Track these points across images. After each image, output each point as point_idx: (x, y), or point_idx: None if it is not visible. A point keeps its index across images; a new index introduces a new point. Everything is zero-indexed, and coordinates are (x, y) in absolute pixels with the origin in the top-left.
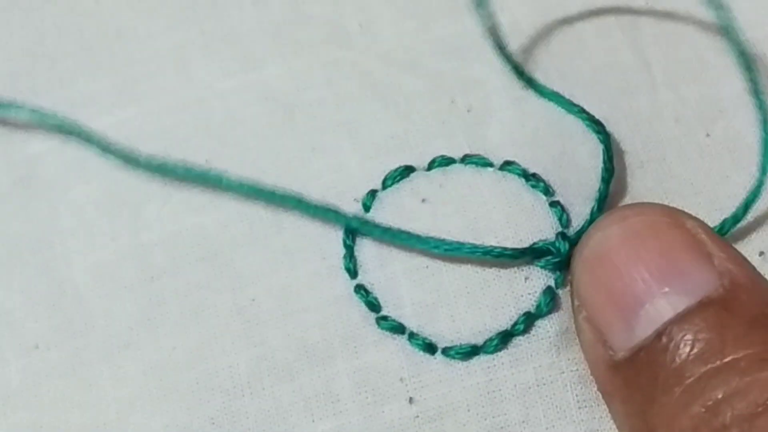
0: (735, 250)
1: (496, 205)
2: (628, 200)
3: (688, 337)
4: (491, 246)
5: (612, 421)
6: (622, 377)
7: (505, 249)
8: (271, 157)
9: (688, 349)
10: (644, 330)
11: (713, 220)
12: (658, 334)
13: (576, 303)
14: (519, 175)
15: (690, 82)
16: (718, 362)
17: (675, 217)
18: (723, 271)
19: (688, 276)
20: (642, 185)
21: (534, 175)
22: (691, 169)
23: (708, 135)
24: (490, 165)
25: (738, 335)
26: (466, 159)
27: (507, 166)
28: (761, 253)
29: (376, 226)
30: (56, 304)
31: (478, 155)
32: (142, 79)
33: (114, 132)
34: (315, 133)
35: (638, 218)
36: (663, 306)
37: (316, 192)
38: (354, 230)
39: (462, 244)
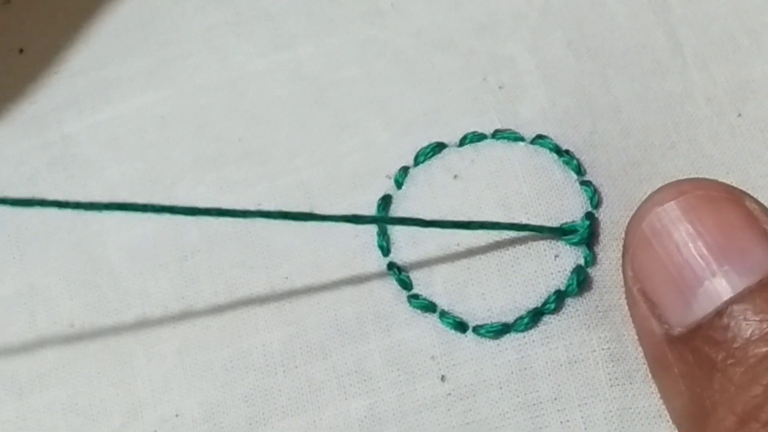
0: None
1: (527, 180)
2: (659, 182)
3: (750, 316)
4: (513, 222)
5: (644, 399)
6: (678, 353)
7: (528, 225)
8: (303, 135)
9: (750, 329)
10: (703, 308)
11: None
12: (718, 313)
13: (630, 274)
14: (551, 149)
15: (721, 62)
16: None
17: (732, 192)
18: None
19: (747, 254)
20: (673, 165)
21: (567, 151)
22: (723, 149)
23: (739, 115)
24: (522, 139)
25: None
26: (497, 134)
27: (539, 140)
28: None
29: (402, 218)
30: (91, 283)
31: (510, 130)
32: (175, 60)
33: (148, 112)
34: (347, 111)
35: (696, 193)
36: (722, 284)
37: (348, 169)
38: (386, 209)
39: (487, 222)
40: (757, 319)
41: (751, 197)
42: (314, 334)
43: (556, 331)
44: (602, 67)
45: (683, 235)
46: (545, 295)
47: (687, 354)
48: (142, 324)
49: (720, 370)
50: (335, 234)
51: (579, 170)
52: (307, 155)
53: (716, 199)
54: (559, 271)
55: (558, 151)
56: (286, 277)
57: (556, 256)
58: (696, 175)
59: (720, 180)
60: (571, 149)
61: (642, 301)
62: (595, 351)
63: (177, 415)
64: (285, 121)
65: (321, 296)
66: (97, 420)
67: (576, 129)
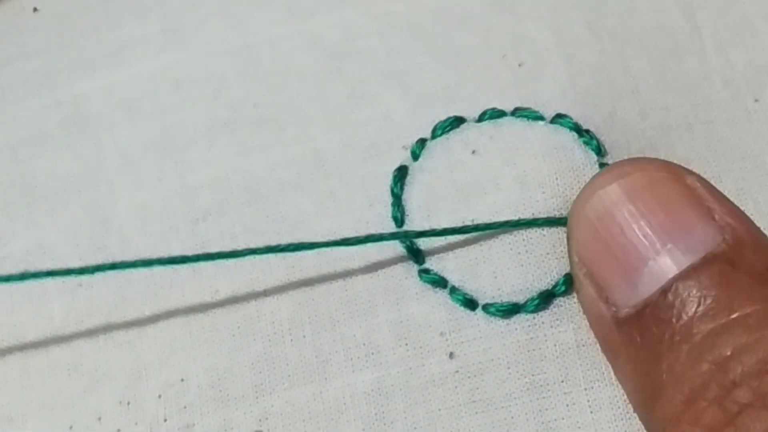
0: (733, 204)
1: (546, 159)
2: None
3: (695, 293)
4: (539, 218)
5: None
6: (626, 334)
7: (537, 219)
8: (319, 104)
9: (694, 306)
10: (648, 287)
11: (760, 185)
12: (663, 291)
13: (575, 259)
14: (571, 128)
15: (739, 46)
16: (726, 319)
17: (674, 171)
18: (724, 226)
19: (691, 231)
20: (689, 147)
21: (587, 131)
22: (739, 133)
23: (756, 100)
24: (542, 118)
25: (744, 291)
26: (517, 112)
27: (559, 119)
28: None
29: (426, 231)
30: (101, 243)
31: (530, 108)
32: (191, 24)
33: (161, 75)
34: (364, 82)
35: (638, 174)
36: (667, 263)
37: (364, 138)
38: (402, 180)
39: (508, 221)
40: (702, 295)
41: (694, 174)
42: (323, 303)
43: (566, 314)
44: (621, 47)
45: (626, 216)
46: (556, 277)
47: (635, 335)
48: (150, 286)
49: (667, 349)
50: (349, 202)
51: (599, 151)
52: (322, 123)
53: (658, 179)
54: None
55: (578, 130)
56: None
57: None
58: (711, 159)
59: (736, 164)
60: (591, 129)
61: (589, 284)
62: None
63: (182, 380)
64: (301, 89)
65: (332, 265)
66: (101, 381)
67: (596, 109)
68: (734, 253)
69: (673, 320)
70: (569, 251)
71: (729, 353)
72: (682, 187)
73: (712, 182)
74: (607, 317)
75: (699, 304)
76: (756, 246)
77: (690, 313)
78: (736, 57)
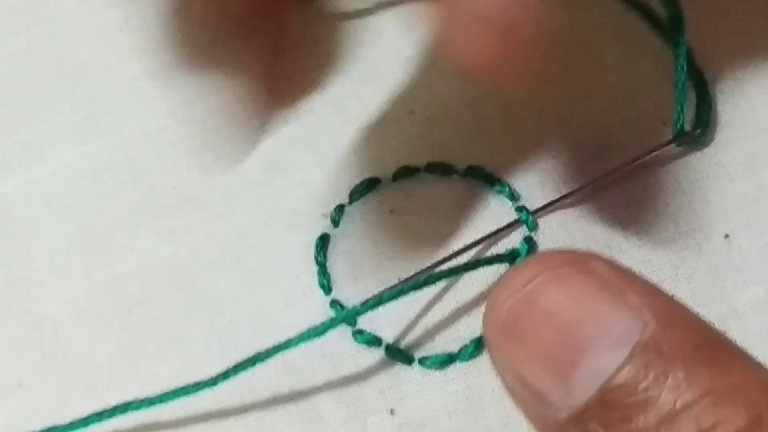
0: (643, 279)
1: (463, 211)
2: (592, 195)
3: (632, 391)
4: (465, 263)
5: None
6: None
7: (479, 259)
8: (238, 179)
9: (635, 404)
10: (584, 390)
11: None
12: (600, 393)
13: (502, 368)
14: (484, 179)
15: None
16: (670, 412)
17: (577, 262)
18: (641, 308)
19: (611, 324)
20: (607, 180)
21: (499, 179)
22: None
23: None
24: (454, 171)
25: (680, 379)
26: (430, 167)
27: (471, 170)
28: (726, 236)
29: (369, 303)
30: (36, 343)
31: (442, 162)
32: (104, 113)
33: (80, 167)
34: (280, 152)
35: (543, 276)
36: (597, 363)
37: (284, 210)
38: (324, 249)
39: (440, 272)
40: (640, 391)
41: (597, 256)
42: (262, 377)
43: None
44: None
45: (543, 323)
46: None
47: None
48: (90, 380)
49: None
50: (276, 275)
51: (513, 197)
52: (242, 199)
53: (563, 276)
54: None
55: (491, 179)
56: (230, 322)
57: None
58: (637, 198)
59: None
60: (503, 173)
61: (522, 389)
62: None
63: None
64: (218, 166)
65: (266, 338)
66: None
67: (506, 154)
68: (660, 338)
69: (616, 421)
70: (492, 360)
71: None
72: (589, 277)
73: (640, 219)
74: (548, 418)
75: (639, 402)
76: (677, 323)
77: (632, 412)
78: None
